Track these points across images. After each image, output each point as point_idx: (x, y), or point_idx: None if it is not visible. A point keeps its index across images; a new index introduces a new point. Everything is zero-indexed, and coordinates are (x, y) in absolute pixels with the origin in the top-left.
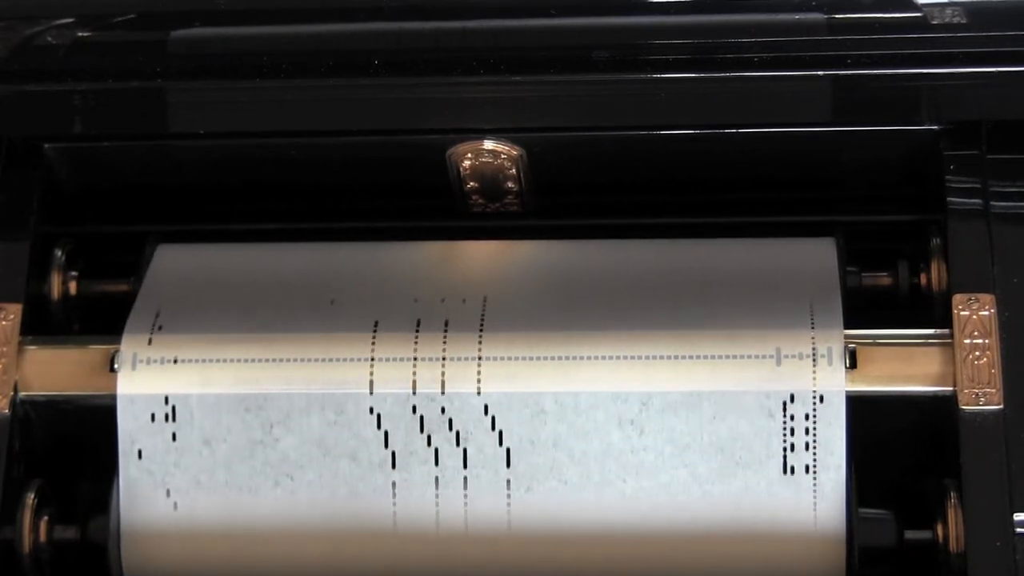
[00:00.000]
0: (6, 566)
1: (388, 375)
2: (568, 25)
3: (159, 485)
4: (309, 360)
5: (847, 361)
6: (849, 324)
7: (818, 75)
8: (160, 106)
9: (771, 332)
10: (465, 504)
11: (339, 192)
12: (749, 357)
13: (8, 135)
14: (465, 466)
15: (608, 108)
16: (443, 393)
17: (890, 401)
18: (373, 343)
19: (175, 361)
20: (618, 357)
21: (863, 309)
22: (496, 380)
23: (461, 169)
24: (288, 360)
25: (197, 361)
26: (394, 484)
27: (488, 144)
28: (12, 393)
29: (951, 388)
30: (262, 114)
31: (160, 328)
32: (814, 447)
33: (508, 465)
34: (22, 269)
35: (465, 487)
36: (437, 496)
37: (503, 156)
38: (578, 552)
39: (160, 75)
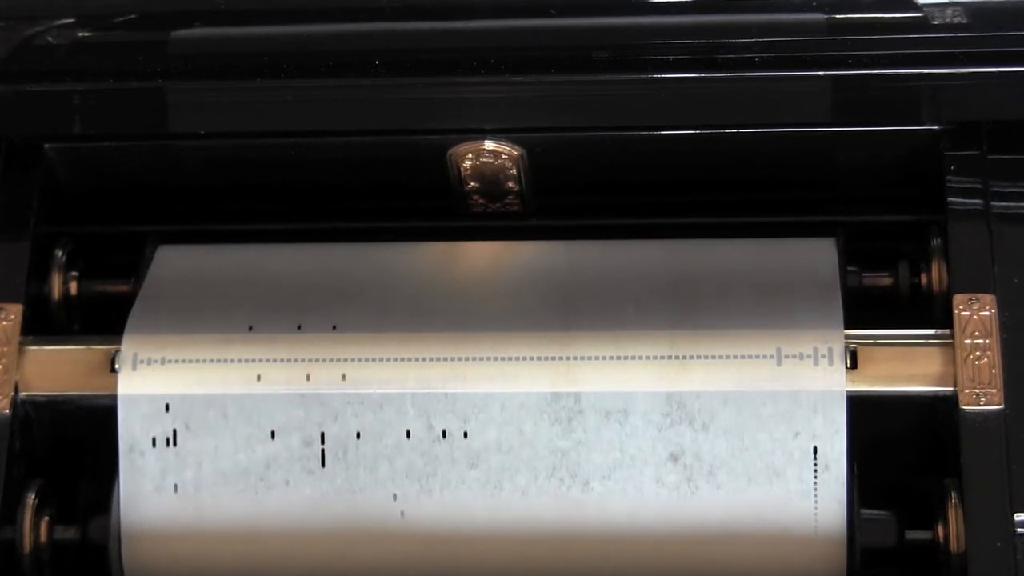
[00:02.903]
0: (6, 566)
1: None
2: (568, 25)
3: (159, 485)
4: (309, 360)
5: (847, 361)
6: (849, 324)
7: (819, 75)
8: (160, 106)
9: (771, 332)
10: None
11: (339, 192)
12: (749, 357)
13: (8, 135)
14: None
15: (608, 108)
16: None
17: (890, 401)
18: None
19: (176, 361)
20: (618, 357)
21: (863, 309)
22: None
23: (462, 169)
24: (288, 360)
25: (197, 361)
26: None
27: (489, 144)
28: (13, 393)
29: (951, 388)
30: (262, 114)
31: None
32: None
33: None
34: (22, 269)
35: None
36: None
37: (504, 156)
38: (578, 552)
39: (160, 75)
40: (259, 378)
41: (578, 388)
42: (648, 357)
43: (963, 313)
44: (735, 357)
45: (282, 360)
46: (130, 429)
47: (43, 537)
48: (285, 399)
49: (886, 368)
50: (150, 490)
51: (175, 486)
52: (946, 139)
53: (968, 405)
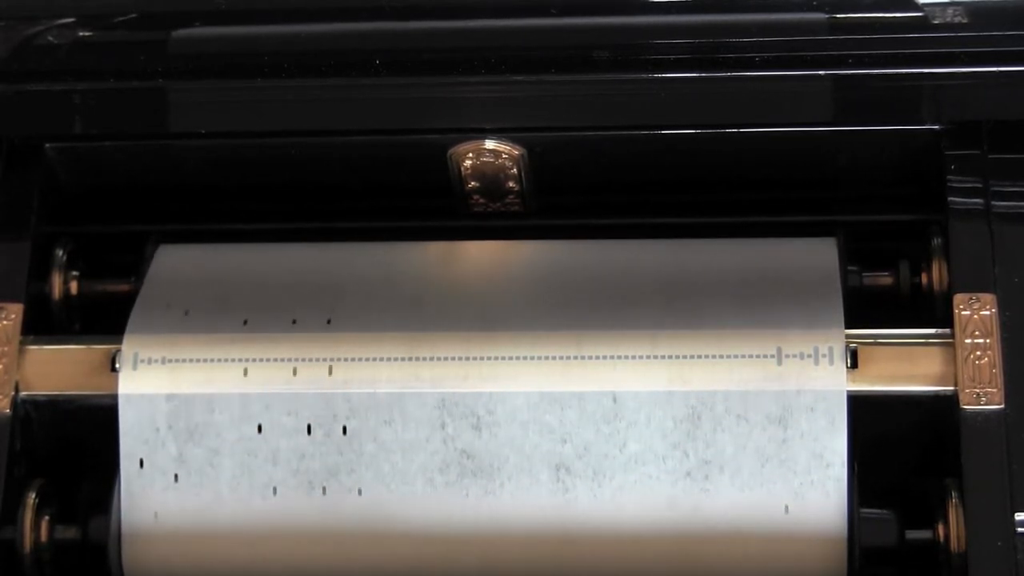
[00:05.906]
0: (7, 566)
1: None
2: (568, 25)
3: (160, 485)
4: (310, 360)
5: (848, 361)
6: (850, 324)
7: (819, 75)
8: (160, 106)
9: (772, 332)
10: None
11: (339, 192)
12: (750, 357)
13: (8, 135)
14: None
15: (608, 108)
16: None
17: (891, 401)
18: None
19: (176, 361)
20: (618, 357)
21: (864, 309)
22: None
23: (462, 169)
24: (289, 360)
25: (198, 361)
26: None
27: (489, 144)
28: (13, 393)
29: (952, 388)
30: (262, 114)
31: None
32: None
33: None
34: (23, 269)
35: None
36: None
37: (504, 156)
38: (579, 551)
39: (160, 75)
40: (260, 378)
41: (579, 388)
42: (649, 357)
43: (964, 313)
44: (736, 357)
45: (282, 359)
46: (131, 429)
47: (43, 537)
48: (286, 398)
49: (887, 368)
50: (150, 490)
51: (175, 486)
52: (946, 139)
53: (968, 405)
